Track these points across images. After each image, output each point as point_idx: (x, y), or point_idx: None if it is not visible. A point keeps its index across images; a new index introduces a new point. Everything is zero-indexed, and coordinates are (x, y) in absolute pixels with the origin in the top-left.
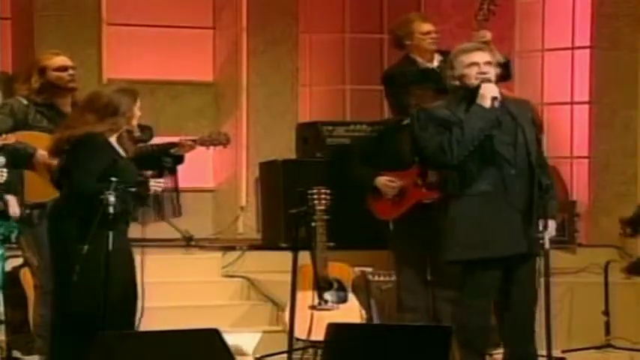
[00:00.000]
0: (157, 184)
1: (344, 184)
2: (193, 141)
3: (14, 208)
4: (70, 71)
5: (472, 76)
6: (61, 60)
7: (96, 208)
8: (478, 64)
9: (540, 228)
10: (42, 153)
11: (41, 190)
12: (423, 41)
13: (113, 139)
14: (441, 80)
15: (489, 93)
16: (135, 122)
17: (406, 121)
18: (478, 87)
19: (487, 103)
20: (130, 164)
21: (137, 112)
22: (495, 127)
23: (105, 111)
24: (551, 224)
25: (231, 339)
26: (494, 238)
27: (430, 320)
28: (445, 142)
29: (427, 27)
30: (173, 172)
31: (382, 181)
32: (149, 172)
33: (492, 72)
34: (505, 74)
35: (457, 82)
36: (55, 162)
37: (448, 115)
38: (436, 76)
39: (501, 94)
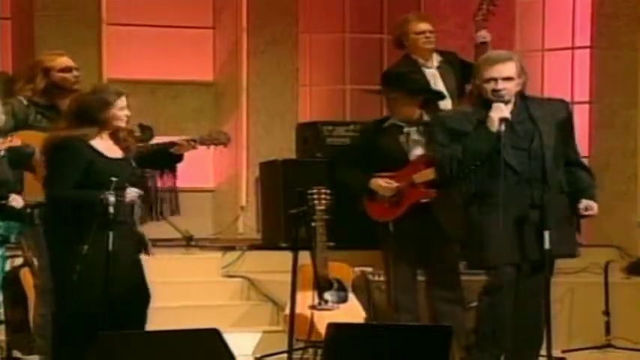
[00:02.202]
0: (131, 194)
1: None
2: (193, 140)
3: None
4: (75, 72)
5: (487, 92)
6: (66, 61)
7: (78, 209)
8: (496, 80)
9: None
10: None
11: (41, 189)
12: (417, 41)
13: (99, 141)
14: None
15: (497, 115)
16: (120, 124)
17: (388, 124)
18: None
19: (494, 127)
20: (120, 164)
21: (118, 114)
22: (498, 149)
23: (76, 116)
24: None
25: (231, 339)
26: (507, 248)
27: (426, 320)
28: (446, 159)
29: (422, 27)
30: (173, 170)
31: (379, 182)
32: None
33: (511, 87)
34: None
35: (479, 91)
36: None
37: (461, 124)
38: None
39: (525, 96)
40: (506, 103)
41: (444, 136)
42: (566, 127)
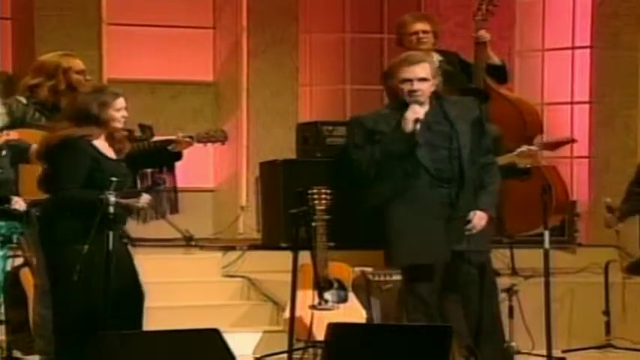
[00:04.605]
0: (145, 200)
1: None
2: (190, 137)
3: (20, 203)
4: (87, 76)
5: (404, 92)
6: (80, 63)
7: (85, 209)
8: (411, 81)
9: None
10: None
11: (36, 187)
12: (412, 42)
13: (99, 142)
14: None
15: (412, 116)
16: (117, 124)
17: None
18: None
19: (409, 127)
20: (118, 165)
21: (115, 115)
22: (414, 149)
23: (77, 116)
24: (479, 216)
25: (231, 339)
26: (423, 246)
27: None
28: (363, 159)
29: (416, 27)
30: (171, 168)
31: None
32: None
33: (426, 88)
34: (501, 77)
35: (395, 92)
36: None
37: (378, 125)
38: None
39: (440, 97)
40: (421, 104)
41: (361, 137)
42: (479, 124)
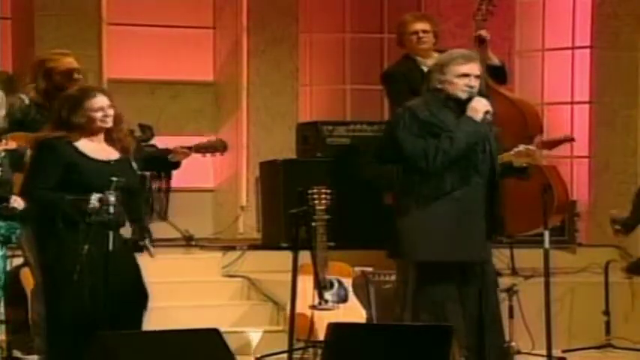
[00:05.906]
0: (93, 203)
1: (347, 183)
2: (189, 148)
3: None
4: (76, 75)
5: (459, 87)
6: (69, 62)
7: (55, 212)
8: (469, 76)
9: None
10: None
11: None
12: (411, 41)
13: (83, 142)
14: None
15: (483, 107)
16: (100, 124)
17: None
18: (468, 99)
19: (479, 117)
20: (108, 167)
21: (93, 115)
22: (485, 140)
23: (54, 118)
24: None
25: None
26: (464, 243)
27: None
28: (431, 149)
29: (415, 27)
30: (168, 174)
31: None
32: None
33: (478, 85)
34: (500, 78)
35: (441, 86)
36: None
37: (431, 118)
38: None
39: None
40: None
41: (416, 127)
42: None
